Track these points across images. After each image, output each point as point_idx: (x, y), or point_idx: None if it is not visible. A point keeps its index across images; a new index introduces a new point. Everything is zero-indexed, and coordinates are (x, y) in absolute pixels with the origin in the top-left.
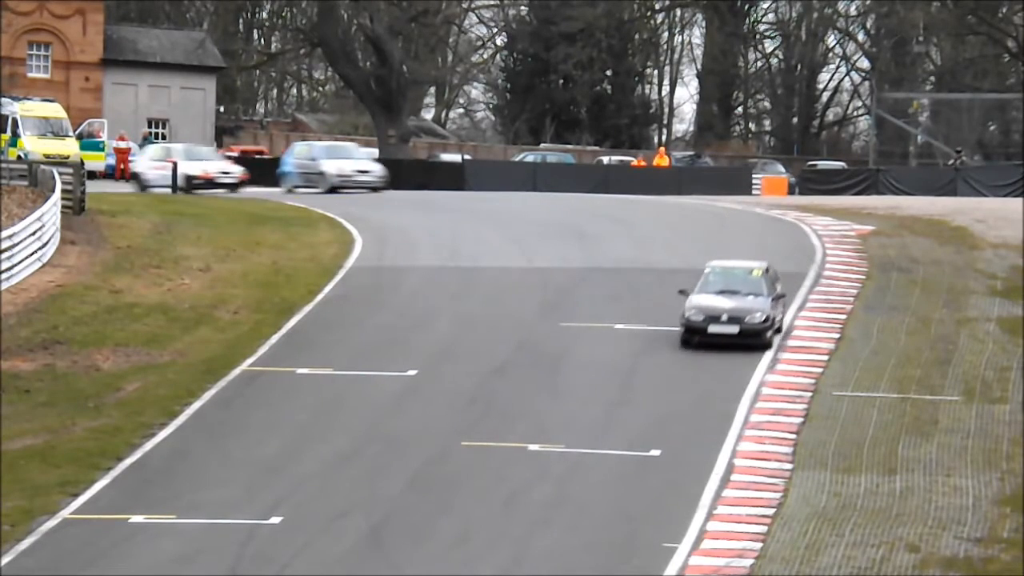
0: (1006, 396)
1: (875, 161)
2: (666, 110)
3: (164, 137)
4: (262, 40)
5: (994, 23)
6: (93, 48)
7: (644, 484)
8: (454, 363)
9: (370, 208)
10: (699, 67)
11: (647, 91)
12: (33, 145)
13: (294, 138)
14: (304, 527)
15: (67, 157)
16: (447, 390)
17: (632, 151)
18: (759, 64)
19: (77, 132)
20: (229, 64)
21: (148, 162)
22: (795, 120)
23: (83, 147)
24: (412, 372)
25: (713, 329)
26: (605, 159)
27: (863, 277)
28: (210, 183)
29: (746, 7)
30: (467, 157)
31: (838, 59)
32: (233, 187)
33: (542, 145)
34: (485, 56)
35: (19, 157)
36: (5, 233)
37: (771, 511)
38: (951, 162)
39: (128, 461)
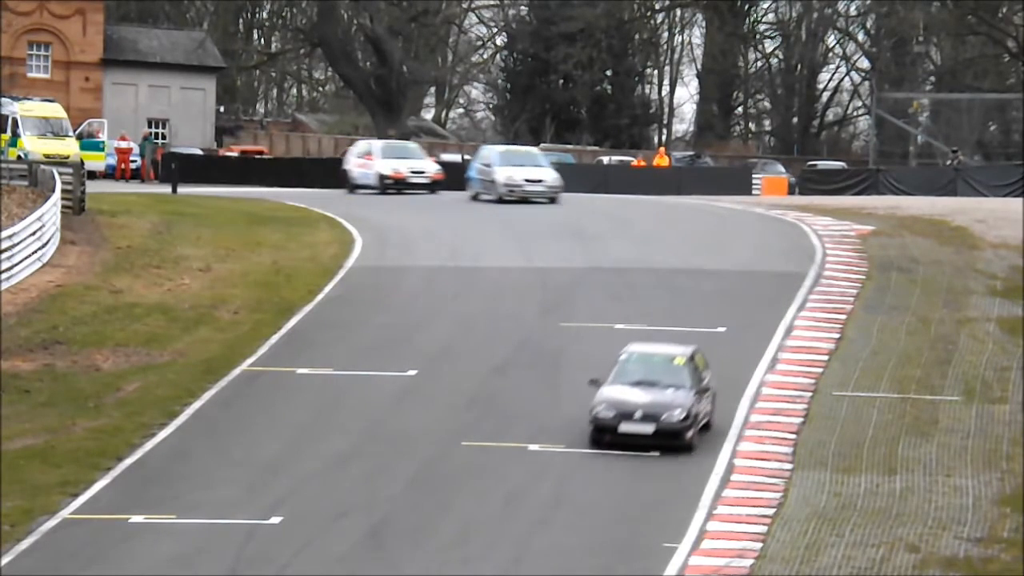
0: (1006, 396)
1: (875, 161)
2: (666, 110)
3: (164, 137)
4: (262, 40)
5: (994, 23)
6: (93, 48)
7: (644, 484)
8: (454, 363)
9: (370, 208)
10: (699, 67)
11: (647, 91)
12: (33, 145)
13: (294, 138)
14: (304, 527)
15: (67, 157)
16: (447, 390)
17: (632, 151)
18: (759, 64)
19: (77, 132)
20: (229, 64)
21: (355, 159)
22: (795, 120)
23: (83, 147)
24: (412, 372)
25: (625, 428)
26: (605, 159)
27: (863, 277)
28: (401, 183)
29: (746, 7)
30: (467, 157)
31: (838, 59)
32: (427, 188)
33: (542, 145)
34: (485, 56)
35: (19, 157)
36: (5, 233)
37: (771, 511)
38: (948, 162)
39: (128, 461)
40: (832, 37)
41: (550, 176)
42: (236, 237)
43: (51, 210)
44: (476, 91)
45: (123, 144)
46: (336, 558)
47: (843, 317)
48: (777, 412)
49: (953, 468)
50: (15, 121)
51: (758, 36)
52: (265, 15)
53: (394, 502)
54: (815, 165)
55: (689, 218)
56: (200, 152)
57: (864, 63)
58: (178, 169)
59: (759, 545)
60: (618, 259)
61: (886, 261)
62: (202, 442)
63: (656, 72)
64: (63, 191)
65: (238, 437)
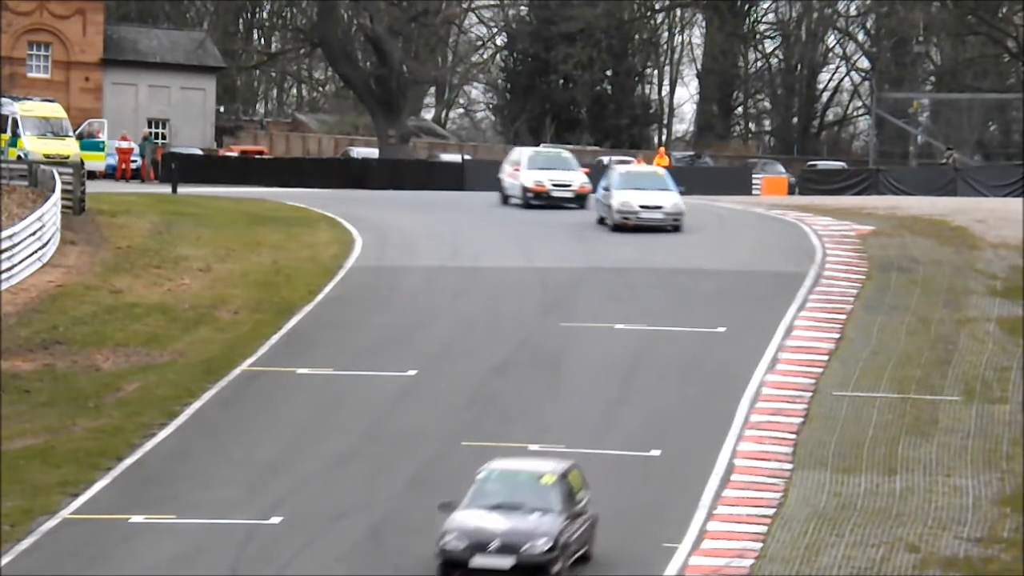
0: (1006, 396)
1: (875, 161)
2: (666, 110)
3: (164, 137)
4: (262, 40)
5: (994, 23)
6: (93, 48)
7: (644, 484)
8: (454, 363)
9: (370, 208)
10: (699, 67)
11: (647, 91)
12: (33, 145)
13: (294, 138)
14: (304, 527)
15: (67, 157)
16: (447, 390)
17: (632, 151)
18: (759, 64)
19: (77, 132)
20: (229, 64)
21: (507, 168)
22: (795, 120)
23: (83, 147)
24: (412, 372)
25: (479, 562)
26: (605, 159)
27: (863, 277)
28: (544, 196)
29: (746, 7)
30: (467, 157)
31: (838, 59)
32: (573, 202)
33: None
34: (485, 56)
35: (19, 157)
36: (5, 233)
37: (771, 511)
38: (943, 161)
39: (128, 461)
40: (832, 37)
41: (670, 201)
42: (236, 237)
43: (51, 210)
44: (476, 91)
45: (123, 144)
46: (336, 558)
47: (843, 317)
48: (777, 412)
49: (953, 468)
50: (15, 121)
51: (758, 36)
52: (265, 15)
53: (394, 502)
54: (815, 165)
55: (689, 218)
56: (200, 152)
57: (864, 63)
58: (178, 169)
59: (759, 545)
60: (618, 259)
61: (886, 261)
62: (202, 442)
63: (656, 72)
64: (63, 191)
65: (238, 437)
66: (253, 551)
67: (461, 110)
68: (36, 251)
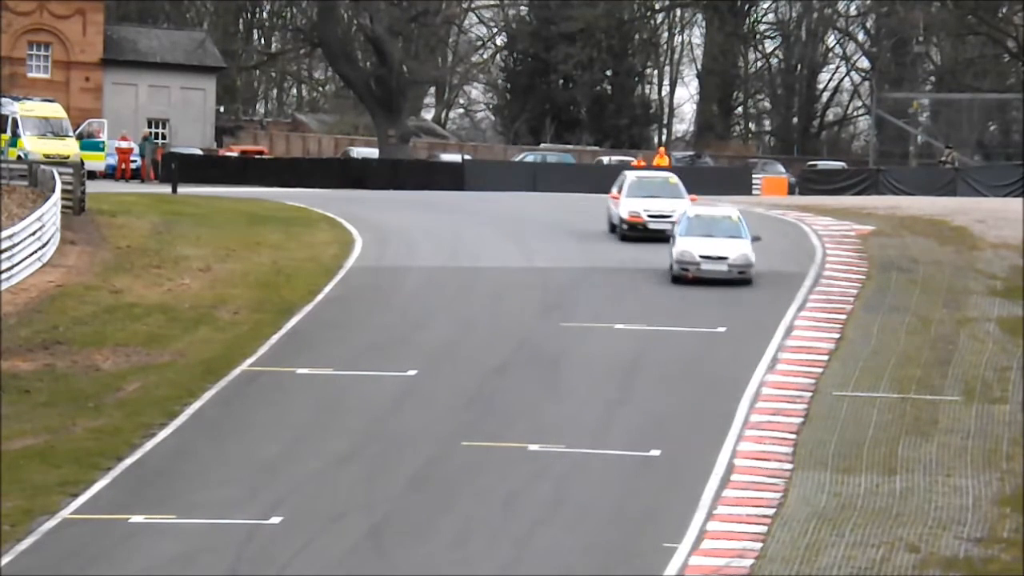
0: (1006, 396)
1: (875, 161)
2: (666, 110)
3: (164, 137)
4: (262, 40)
5: (994, 23)
6: (93, 48)
7: (644, 484)
8: (454, 363)
9: (370, 208)
10: (699, 67)
11: (647, 91)
12: (33, 145)
13: (294, 138)
14: (304, 527)
15: (67, 157)
16: (447, 390)
17: (632, 151)
18: (759, 64)
19: (77, 132)
20: (229, 64)
21: (613, 192)
22: (795, 120)
23: (83, 147)
24: (412, 372)
25: None
26: (605, 159)
27: (863, 277)
28: (639, 228)
29: (746, 7)
30: (467, 157)
31: (838, 59)
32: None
33: (542, 145)
34: (485, 56)
35: (19, 157)
36: (5, 233)
37: (771, 511)
38: (942, 160)
39: (128, 461)
40: (832, 37)
41: (736, 251)
42: (236, 237)
43: (51, 210)
44: (476, 91)
45: (123, 144)
46: (336, 558)
47: (843, 317)
48: (777, 412)
49: (953, 468)
50: (15, 121)
51: (758, 36)
52: (265, 15)
53: (394, 502)
54: (815, 165)
55: None
56: (200, 152)
57: (864, 63)
58: (178, 169)
59: (759, 545)
60: (618, 259)
61: (886, 261)
62: (202, 442)
63: (656, 72)
64: (63, 191)
65: (238, 437)
66: (253, 551)
67: (461, 110)
68: (36, 251)
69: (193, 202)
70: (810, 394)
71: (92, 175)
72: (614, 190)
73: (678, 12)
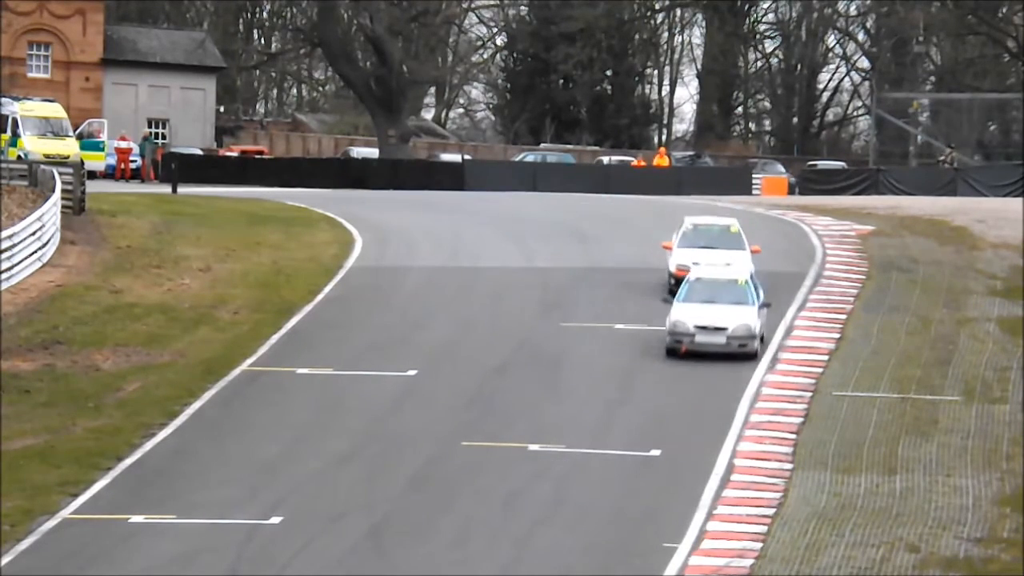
0: (1006, 396)
1: (875, 161)
2: (666, 110)
3: (164, 137)
4: (262, 40)
5: (994, 23)
6: (93, 48)
7: (644, 484)
8: (454, 363)
9: (370, 208)
10: (699, 67)
11: (647, 91)
12: (33, 145)
13: (294, 138)
14: (304, 527)
15: (67, 157)
16: (447, 390)
17: (632, 151)
18: (759, 64)
19: (77, 132)
20: (229, 64)
21: (673, 238)
22: (795, 120)
23: (83, 147)
24: (412, 372)
25: None
26: (605, 159)
27: (863, 277)
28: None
29: (746, 7)
30: (467, 157)
31: (838, 59)
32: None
33: (542, 145)
34: (485, 56)
35: (19, 157)
36: (5, 233)
37: (771, 511)
38: (942, 158)
39: (128, 461)
40: (832, 37)
41: (739, 321)
42: (236, 237)
43: (51, 210)
44: (476, 91)
45: (123, 144)
46: (336, 558)
47: (843, 317)
48: (777, 412)
49: (953, 468)
50: (15, 121)
51: (758, 36)
52: (265, 15)
53: (394, 502)
54: (815, 165)
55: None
56: (200, 152)
57: (864, 63)
58: (178, 169)
59: (759, 545)
60: (618, 259)
61: (886, 261)
62: (202, 442)
63: (656, 72)
64: (63, 191)
65: (238, 437)
66: (253, 551)
67: (461, 110)
68: (36, 251)
69: (193, 202)
70: (810, 394)
71: (92, 175)
72: (673, 237)
73: (678, 12)
